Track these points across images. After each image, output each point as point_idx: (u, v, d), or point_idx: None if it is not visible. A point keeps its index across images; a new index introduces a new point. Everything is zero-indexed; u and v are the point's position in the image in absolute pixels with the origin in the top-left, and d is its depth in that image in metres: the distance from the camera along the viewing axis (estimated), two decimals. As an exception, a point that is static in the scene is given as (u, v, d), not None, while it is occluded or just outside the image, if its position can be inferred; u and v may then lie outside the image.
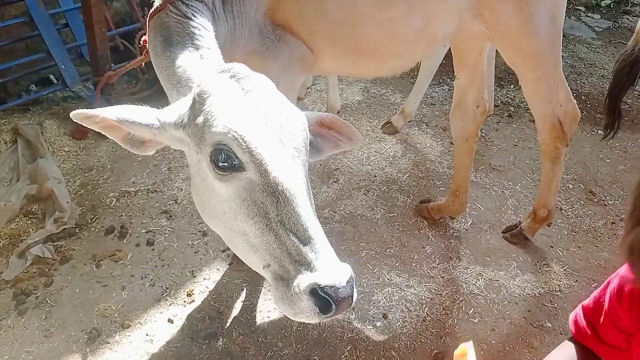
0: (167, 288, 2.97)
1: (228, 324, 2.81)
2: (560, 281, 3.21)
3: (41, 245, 3.12)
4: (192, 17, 1.98)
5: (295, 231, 1.41)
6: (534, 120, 4.50)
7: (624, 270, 1.13)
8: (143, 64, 4.25)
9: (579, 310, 1.67)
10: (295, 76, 2.76)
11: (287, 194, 1.44)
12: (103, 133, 1.63)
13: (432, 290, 3.11)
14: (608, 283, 1.52)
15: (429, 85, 4.64)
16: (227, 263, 3.15)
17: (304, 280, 1.37)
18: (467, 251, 3.40)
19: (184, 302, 2.90)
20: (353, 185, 3.88)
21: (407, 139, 4.43)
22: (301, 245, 1.40)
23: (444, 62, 4.43)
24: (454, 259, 3.34)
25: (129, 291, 2.94)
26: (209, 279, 3.05)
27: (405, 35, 2.71)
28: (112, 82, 4.12)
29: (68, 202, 3.39)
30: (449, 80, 5.21)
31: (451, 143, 4.25)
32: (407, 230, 3.52)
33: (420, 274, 3.21)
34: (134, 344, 2.66)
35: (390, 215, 3.63)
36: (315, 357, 2.68)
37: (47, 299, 2.85)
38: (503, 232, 3.53)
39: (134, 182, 3.72)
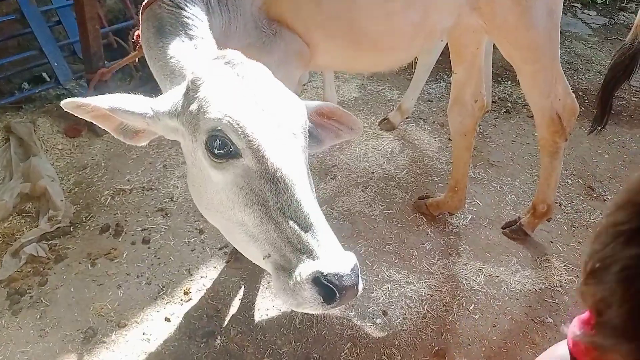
0: (163, 286, 2.93)
1: (226, 322, 2.77)
2: (561, 276, 3.19)
3: (35, 244, 3.07)
4: (185, 7, 1.94)
5: (296, 218, 1.37)
6: (531, 116, 4.52)
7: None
8: (137, 60, 4.21)
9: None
10: (292, 71, 2.72)
11: (286, 180, 1.39)
12: (95, 123, 1.59)
13: (432, 287, 3.08)
14: None
15: (426, 82, 4.61)
16: (224, 261, 3.11)
17: (306, 269, 1.32)
18: (467, 247, 3.37)
19: (181, 300, 2.86)
20: (351, 181, 3.84)
21: (405, 136, 4.40)
22: (302, 233, 1.36)
23: (440, 58, 4.41)
24: (454, 255, 3.31)
25: (125, 290, 2.89)
26: (206, 277, 3.01)
27: (403, 29, 2.68)
28: (105, 79, 4.06)
29: (62, 201, 3.34)
30: (446, 76, 5.18)
31: (449, 139, 4.22)
32: (406, 226, 3.49)
33: (420, 271, 3.17)
34: (130, 343, 2.62)
35: (389, 211, 3.59)
36: (314, 355, 2.65)
37: (42, 299, 2.80)
38: (502, 228, 3.50)
39: (128, 180, 3.67)
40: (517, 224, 3.44)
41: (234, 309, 2.85)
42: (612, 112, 4.07)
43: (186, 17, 1.91)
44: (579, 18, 6.86)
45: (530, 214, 3.39)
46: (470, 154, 3.37)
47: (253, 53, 2.42)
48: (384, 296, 2.99)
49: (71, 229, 3.24)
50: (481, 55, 3.16)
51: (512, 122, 4.68)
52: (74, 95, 4.30)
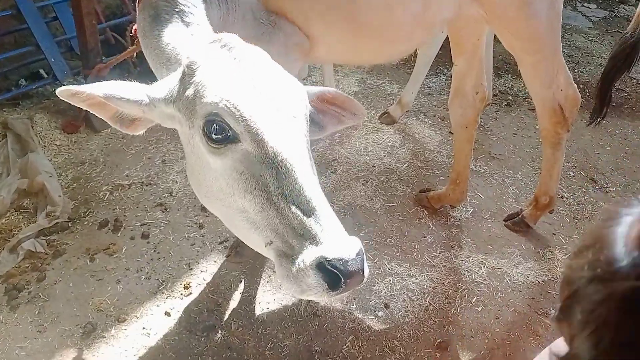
0: (163, 281, 2.90)
1: (226, 316, 2.75)
2: (563, 268, 3.15)
3: (33, 240, 3.04)
4: None
5: (298, 203, 1.34)
6: (532, 109, 4.49)
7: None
8: (135, 56, 4.19)
9: None
10: (292, 63, 2.69)
11: (287, 164, 1.36)
12: (90, 111, 1.56)
13: (434, 280, 3.05)
14: None
15: (426, 76, 4.58)
16: (224, 255, 3.08)
17: (309, 255, 1.29)
18: (469, 240, 3.34)
19: (181, 294, 2.83)
20: (351, 175, 3.81)
21: (405, 129, 4.37)
22: (305, 218, 1.32)
23: (440, 52, 4.38)
24: (456, 247, 3.28)
25: (124, 285, 2.87)
26: (206, 271, 2.98)
27: (404, 20, 2.65)
28: (103, 75, 4.02)
29: (60, 196, 3.31)
30: (446, 70, 5.15)
31: (450, 132, 4.20)
32: (407, 219, 3.46)
33: (422, 263, 3.15)
34: (130, 338, 2.59)
35: (390, 205, 3.57)
36: (316, 348, 2.62)
37: (40, 294, 2.77)
38: (505, 220, 3.47)
39: (127, 175, 3.64)
40: (520, 216, 3.41)
41: (234, 302, 2.82)
42: (613, 104, 4.05)
43: (182, 5, 1.87)
44: (579, 11, 6.83)
45: (533, 206, 3.36)
46: (471, 146, 3.34)
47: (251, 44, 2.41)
48: (385, 289, 2.96)
49: (69, 225, 3.21)
50: (482, 46, 3.13)
51: (513, 115, 4.65)
52: (71, 91, 4.28)
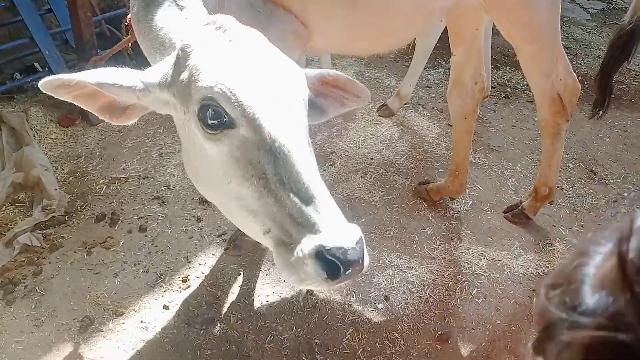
0: (161, 274, 2.87)
1: (225, 309, 2.72)
2: (564, 260, 3.14)
3: (29, 234, 3.00)
4: None
5: (297, 191, 1.30)
6: (531, 101, 4.48)
7: None
8: (130, 48, 4.14)
9: None
10: (289, 52, 2.65)
11: (285, 150, 1.32)
12: (76, 103, 1.49)
13: (434, 272, 3.03)
14: None
15: (424, 68, 4.55)
16: (222, 248, 3.05)
17: (308, 244, 1.26)
18: (468, 232, 3.33)
19: (180, 288, 2.81)
20: (350, 168, 3.79)
21: (404, 122, 4.34)
22: (303, 206, 1.29)
23: (438, 45, 4.35)
24: (455, 239, 3.27)
25: (122, 278, 2.84)
26: (204, 264, 2.95)
27: (402, 9, 2.62)
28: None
29: (56, 190, 3.28)
30: (444, 63, 5.12)
31: (449, 125, 4.17)
32: (407, 212, 3.44)
33: (421, 256, 3.13)
34: (128, 332, 2.56)
35: (389, 197, 3.54)
36: (316, 341, 2.60)
37: (37, 288, 2.74)
38: (504, 212, 3.46)
39: (124, 169, 3.60)
40: (519, 207, 3.40)
41: (233, 295, 2.80)
42: (612, 95, 4.02)
43: None
44: (577, 3, 6.80)
45: (532, 197, 3.34)
46: (470, 137, 3.32)
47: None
48: (385, 281, 2.94)
49: (66, 218, 3.17)
50: (480, 36, 3.10)
51: (512, 107, 4.63)
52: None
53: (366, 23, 2.64)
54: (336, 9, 2.52)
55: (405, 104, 4.45)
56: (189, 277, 2.86)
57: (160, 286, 2.81)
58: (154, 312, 2.67)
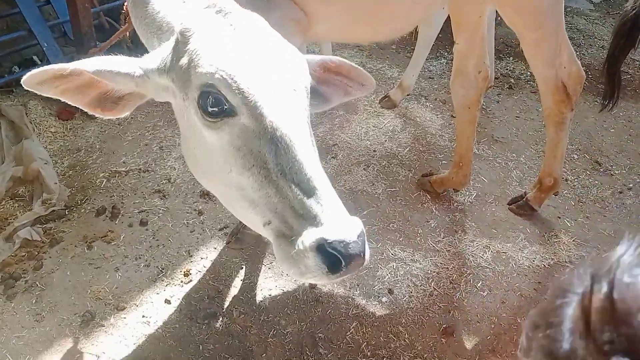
0: (162, 268, 2.84)
1: (228, 303, 2.69)
2: (570, 252, 3.11)
3: (29, 228, 2.97)
4: None
5: (298, 182, 1.27)
6: (535, 92, 4.43)
7: None
8: (130, 40, 4.09)
9: None
10: (289, 38, 2.62)
11: (286, 139, 1.29)
12: (62, 98, 1.44)
13: (438, 264, 3.00)
14: None
15: (427, 59, 4.50)
16: (224, 241, 3.02)
17: (309, 236, 1.23)
18: (473, 224, 3.29)
19: (181, 282, 2.78)
20: (352, 160, 3.75)
21: (406, 113, 4.30)
22: (305, 198, 1.26)
23: (440, 35, 4.31)
24: (460, 232, 3.23)
25: (123, 272, 2.81)
26: (206, 258, 2.92)
27: (404, -5, 2.58)
28: (98, 60, 3.94)
29: (56, 184, 3.25)
30: (446, 54, 5.07)
31: (452, 116, 4.13)
32: (410, 204, 3.40)
33: (425, 248, 3.10)
34: (129, 326, 2.54)
35: (392, 189, 3.51)
36: (320, 335, 2.57)
37: (37, 283, 2.71)
38: (509, 204, 3.42)
39: (124, 162, 3.57)
40: (524, 199, 3.36)
41: (235, 289, 2.77)
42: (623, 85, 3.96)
43: None
44: (580, -7, 6.74)
45: (537, 189, 3.30)
46: (474, 128, 3.27)
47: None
48: (389, 274, 2.91)
49: (66, 212, 3.14)
50: (484, 24, 3.05)
51: (516, 98, 4.59)
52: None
53: (366, 9, 2.60)
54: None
55: (408, 95, 4.40)
56: (190, 271, 2.83)
57: (162, 280, 2.78)
58: (156, 307, 2.64)
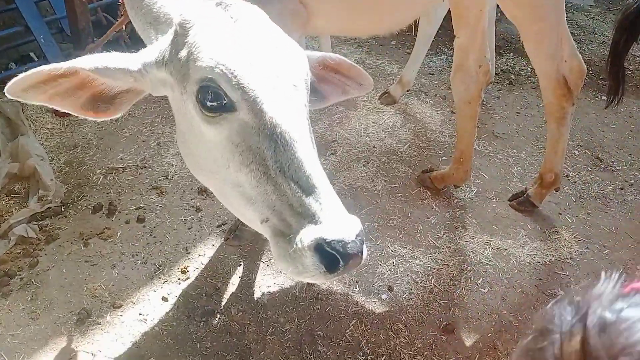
0: (160, 266, 2.81)
1: (226, 301, 2.66)
2: (571, 248, 3.08)
3: (25, 225, 2.94)
4: None
5: (297, 179, 1.24)
6: (535, 88, 4.40)
7: None
8: (128, 36, 4.06)
9: None
10: (288, 32, 2.59)
11: (286, 136, 1.26)
12: (51, 105, 1.38)
13: (439, 261, 2.97)
14: None
15: (427, 55, 4.48)
16: (222, 238, 2.99)
17: (307, 235, 1.21)
18: (473, 220, 3.26)
19: (179, 279, 2.75)
20: (352, 157, 3.72)
21: (406, 109, 4.27)
22: (303, 195, 1.23)
23: (440, 31, 4.27)
24: (460, 228, 3.20)
25: (120, 270, 2.78)
26: (204, 255, 2.89)
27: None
28: (95, 56, 3.91)
29: (52, 180, 3.21)
30: (446, 49, 5.04)
31: (452, 112, 4.10)
32: (410, 200, 3.37)
33: (426, 245, 3.07)
34: (126, 324, 2.51)
35: (392, 186, 3.48)
36: (319, 332, 2.54)
37: (33, 280, 2.68)
38: (509, 200, 3.39)
39: (121, 159, 3.53)
40: (525, 195, 3.33)
41: (233, 287, 2.74)
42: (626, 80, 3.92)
43: None
44: (581, -11, 6.70)
45: (538, 185, 3.28)
46: (475, 123, 3.24)
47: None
48: (389, 271, 2.88)
49: (62, 209, 3.11)
50: (484, 17, 3.01)
51: (516, 93, 4.56)
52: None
53: (365, 2, 2.57)
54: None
55: (408, 91, 4.37)
56: (188, 269, 2.80)
57: (159, 278, 2.75)
58: (153, 304, 2.61)
